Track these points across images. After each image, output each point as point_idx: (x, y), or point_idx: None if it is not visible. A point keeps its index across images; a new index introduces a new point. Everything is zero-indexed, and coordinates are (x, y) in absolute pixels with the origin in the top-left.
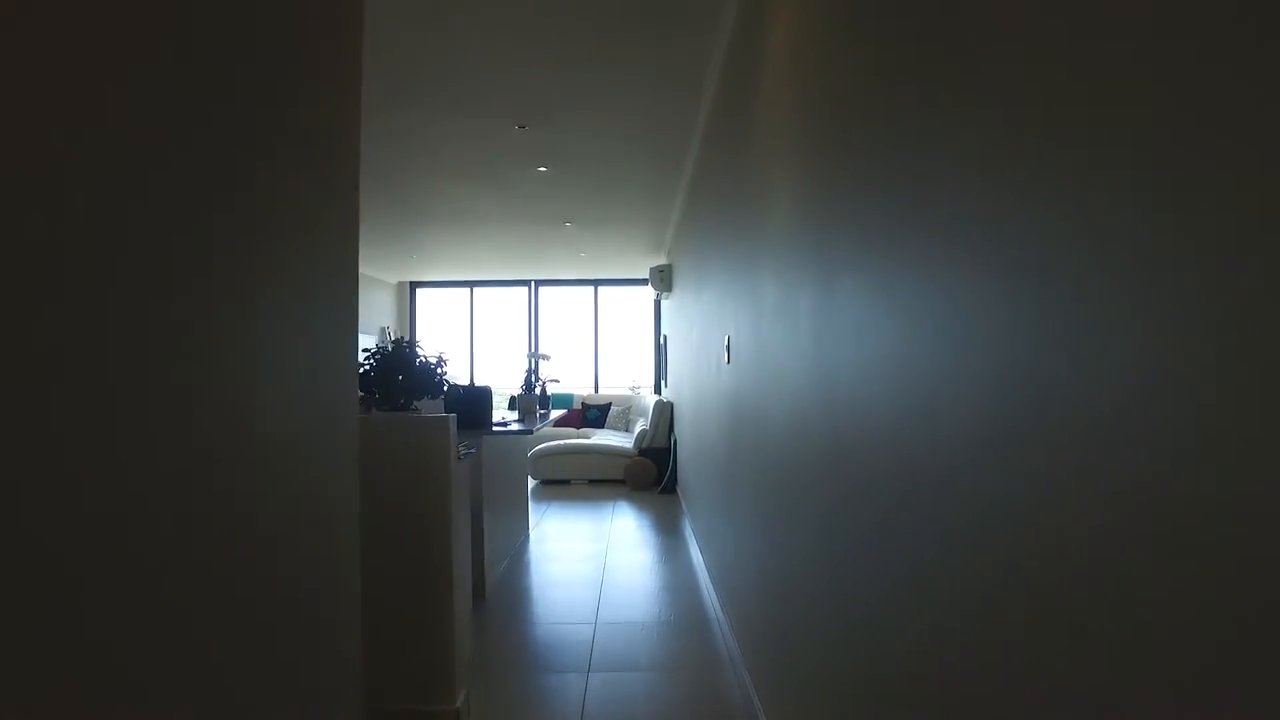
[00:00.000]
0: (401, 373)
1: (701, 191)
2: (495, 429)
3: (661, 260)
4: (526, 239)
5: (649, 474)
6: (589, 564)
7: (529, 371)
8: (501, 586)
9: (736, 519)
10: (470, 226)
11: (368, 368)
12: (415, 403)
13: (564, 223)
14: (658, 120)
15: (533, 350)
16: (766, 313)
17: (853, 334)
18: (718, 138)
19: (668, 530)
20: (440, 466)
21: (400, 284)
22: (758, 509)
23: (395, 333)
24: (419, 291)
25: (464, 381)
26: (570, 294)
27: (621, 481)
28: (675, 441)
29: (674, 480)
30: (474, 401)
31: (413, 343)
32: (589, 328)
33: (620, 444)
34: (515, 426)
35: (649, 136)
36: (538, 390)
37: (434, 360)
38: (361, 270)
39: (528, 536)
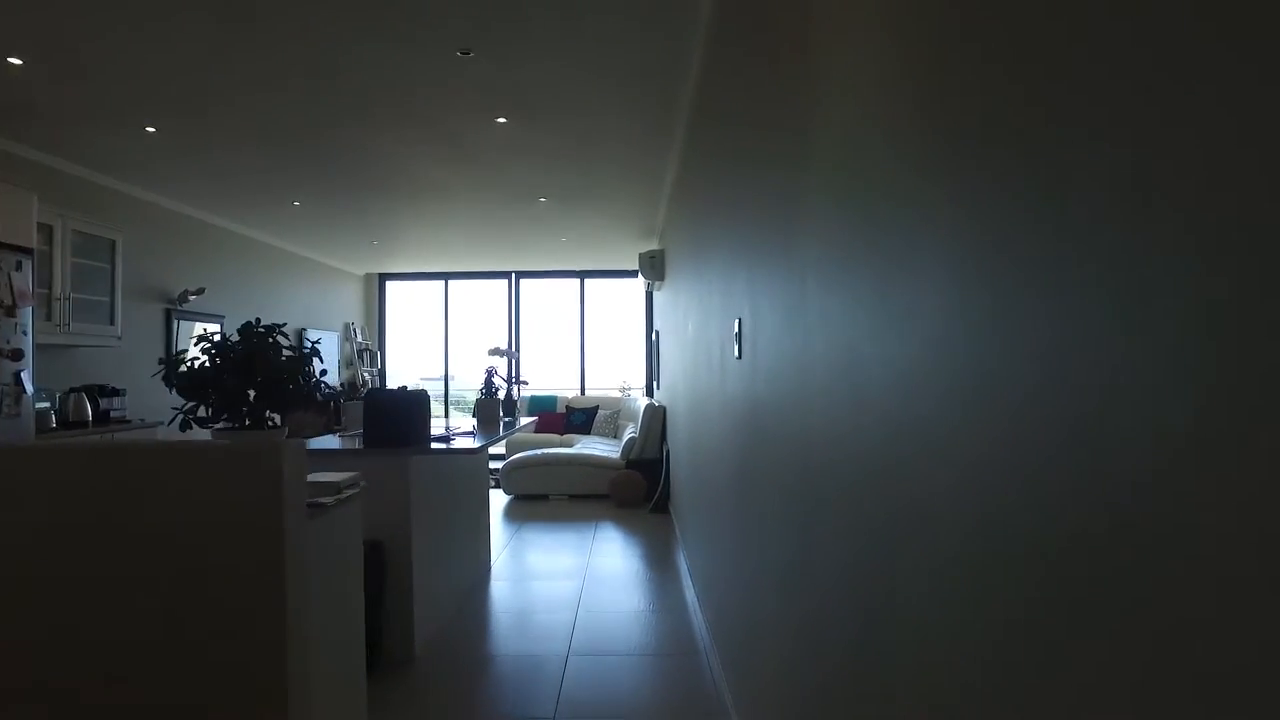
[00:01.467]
0: (260, 371)
1: (702, 147)
2: (437, 445)
3: (653, 245)
4: (496, 220)
5: (637, 489)
6: (558, 610)
7: (489, 372)
8: (438, 648)
9: (752, 562)
10: (430, 203)
11: (202, 361)
12: (276, 414)
13: (538, 198)
14: (642, 62)
15: (501, 347)
16: (812, 279)
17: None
18: (722, 75)
19: (658, 561)
20: (267, 515)
21: (368, 276)
22: (790, 552)
23: (361, 330)
24: (389, 285)
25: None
26: (554, 287)
27: (606, 497)
28: (668, 452)
29: (666, 497)
30: (400, 412)
31: (274, 329)
32: (574, 323)
33: (605, 453)
34: (462, 442)
35: (633, 85)
36: (502, 394)
37: (323, 364)
38: (323, 261)
39: (489, 570)
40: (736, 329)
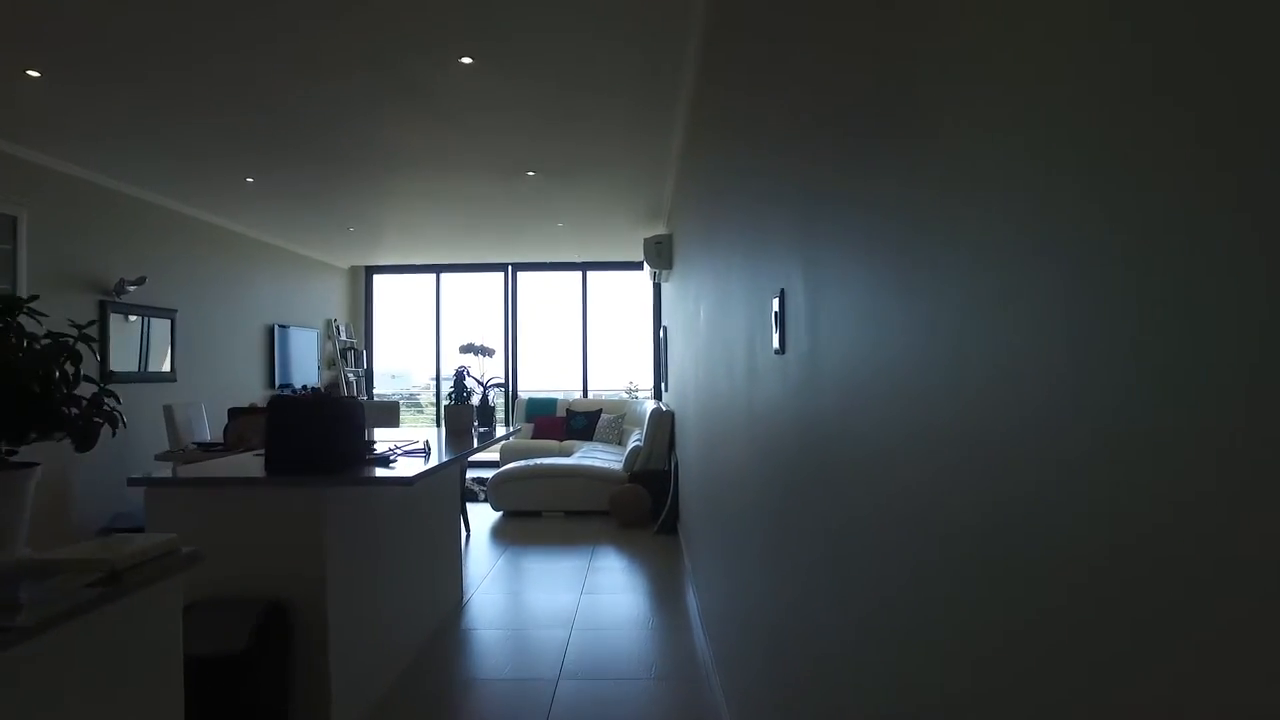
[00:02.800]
0: None
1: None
2: (380, 471)
3: (659, 230)
4: (481, 199)
5: (641, 506)
6: (538, 672)
7: (460, 373)
8: None
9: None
10: (402, 179)
11: None
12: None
13: (525, 172)
14: None
15: (476, 343)
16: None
17: None
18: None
19: (663, 598)
20: None
21: (353, 269)
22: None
23: (346, 328)
24: (376, 278)
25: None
26: (554, 281)
27: (607, 514)
28: (677, 464)
29: (675, 516)
30: (312, 429)
31: (16, 302)
32: (576, 319)
33: (607, 464)
34: (404, 467)
35: (625, 23)
36: (477, 399)
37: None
38: (298, 251)
39: (461, 611)
40: (776, 308)
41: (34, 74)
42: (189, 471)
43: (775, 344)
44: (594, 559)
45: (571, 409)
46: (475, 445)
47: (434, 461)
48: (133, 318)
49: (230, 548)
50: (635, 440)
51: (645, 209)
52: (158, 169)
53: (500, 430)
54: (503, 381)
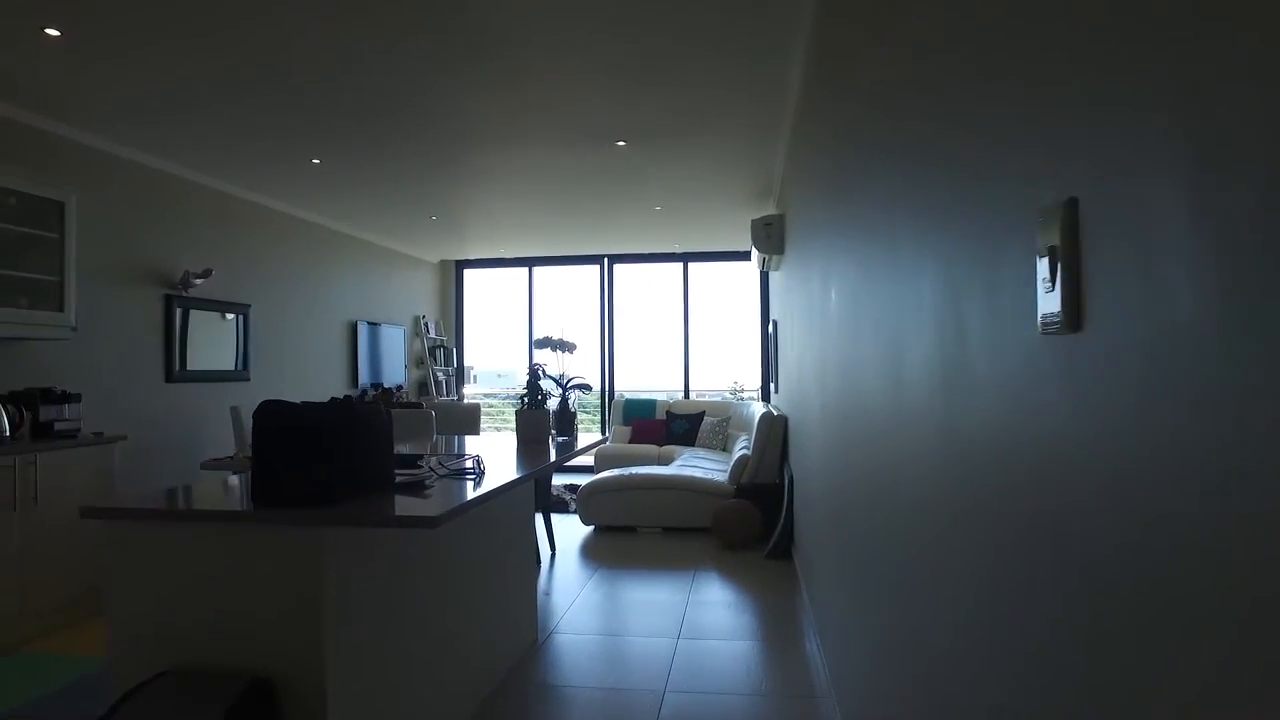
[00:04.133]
0: None
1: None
2: (396, 502)
3: (768, 210)
4: (567, 175)
5: (750, 524)
6: None
7: (534, 372)
8: None
9: None
10: (478, 153)
11: None
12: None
13: (615, 141)
14: None
15: (554, 336)
16: None
17: None
18: None
19: (778, 647)
20: None
21: (443, 263)
22: None
23: (436, 325)
24: (466, 273)
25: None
26: (653, 273)
27: (709, 530)
28: (791, 478)
29: (789, 539)
30: (315, 445)
31: None
32: (677, 314)
33: (710, 474)
34: (442, 493)
35: None
36: (554, 403)
37: None
38: (386, 245)
39: (536, 649)
40: (1053, 242)
41: (53, 32)
42: (153, 501)
43: (1049, 311)
44: (695, 589)
45: (672, 411)
46: (551, 459)
47: (484, 487)
48: (204, 312)
49: (206, 604)
50: (742, 447)
51: (751, 187)
52: (215, 150)
53: (587, 438)
54: (586, 382)
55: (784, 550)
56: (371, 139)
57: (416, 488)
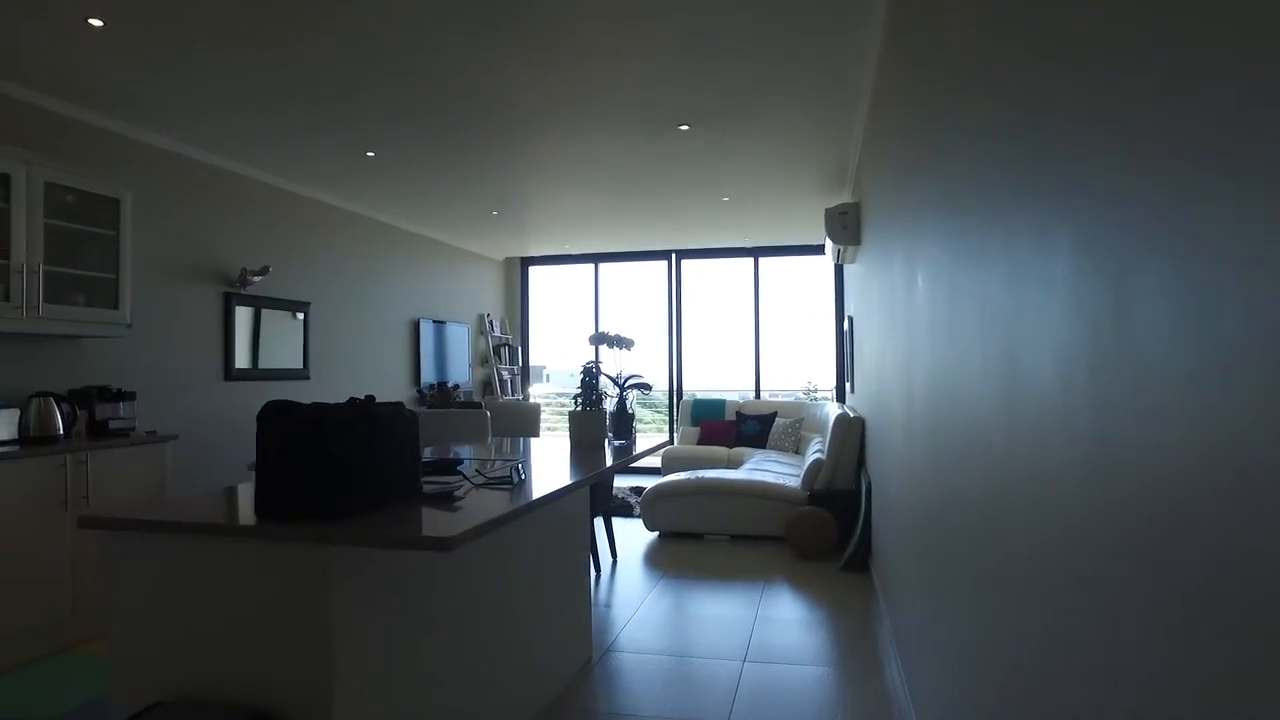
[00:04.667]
0: None
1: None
2: (422, 514)
3: (844, 198)
4: (627, 161)
5: (824, 534)
6: None
7: (589, 371)
8: None
9: None
10: (533, 137)
11: None
12: None
13: (677, 125)
14: None
15: (610, 333)
16: None
17: None
18: None
19: (855, 675)
20: None
21: (508, 261)
22: None
23: (501, 323)
24: (532, 270)
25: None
26: (723, 268)
27: (781, 539)
28: (869, 485)
29: (866, 550)
30: (323, 451)
31: None
32: (747, 311)
33: (782, 479)
34: (475, 505)
35: None
36: (611, 404)
37: None
38: (449, 242)
39: (589, 668)
40: None
41: (96, 23)
42: (151, 511)
43: None
44: (765, 603)
45: (742, 412)
46: (605, 465)
47: (518, 500)
48: (262, 309)
49: (207, 625)
50: (816, 450)
51: (824, 173)
52: (268, 144)
53: (648, 441)
54: (645, 381)
55: (861, 562)
56: (424, 128)
57: (445, 499)
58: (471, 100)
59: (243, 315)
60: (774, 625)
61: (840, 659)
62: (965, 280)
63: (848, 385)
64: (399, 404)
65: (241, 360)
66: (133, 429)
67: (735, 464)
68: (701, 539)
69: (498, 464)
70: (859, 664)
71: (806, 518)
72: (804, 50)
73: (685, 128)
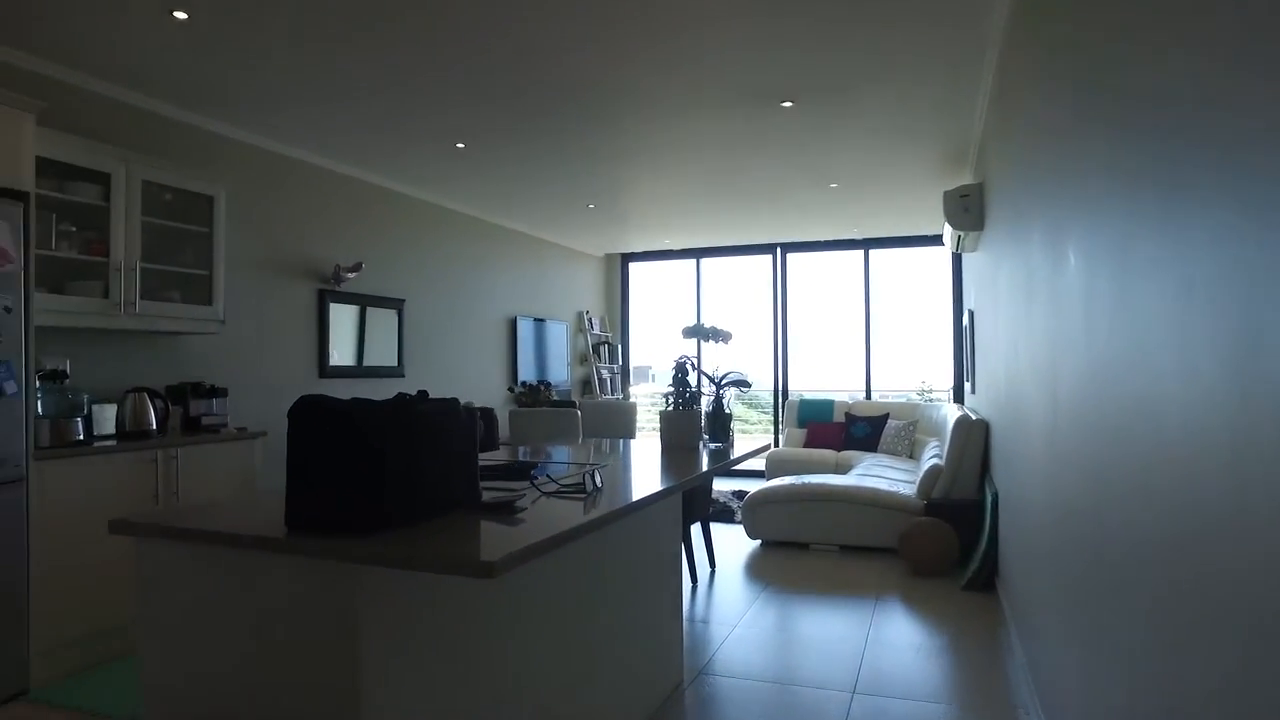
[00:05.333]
0: None
1: None
2: (481, 527)
3: (964, 180)
4: (728, 145)
5: (944, 547)
6: None
7: (681, 367)
8: None
9: None
10: (632, 125)
11: None
12: None
13: (779, 103)
14: None
15: (707, 325)
16: None
17: None
18: None
19: (982, 716)
20: None
21: (608, 257)
22: None
23: (601, 321)
24: (632, 266)
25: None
26: (831, 262)
27: (894, 552)
28: (994, 497)
29: (993, 568)
30: (361, 454)
31: None
32: (857, 307)
33: (895, 486)
34: (541, 517)
35: None
36: (706, 402)
37: None
38: (553, 240)
39: (679, 692)
40: None
41: (180, 15)
42: (181, 519)
43: None
44: (877, 623)
45: (852, 413)
46: (699, 470)
47: (589, 513)
48: (361, 308)
49: (236, 647)
50: (932, 455)
51: (942, 152)
52: (357, 139)
53: (749, 443)
54: (744, 377)
55: (986, 581)
56: (512, 113)
57: (504, 510)
58: (559, 82)
59: (337, 312)
60: (888, 650)
61: (965, 695)
62: (1149, 247)
63: (967, 385)
64: (453, 400)
65: (336, 357)
66: (224, 425)
67: (844, 469)
68: (807, 549)
69: (573, 467)
70: (987, 702)
71: (923, 529)
72: (918, 4)
73: (788, 104)
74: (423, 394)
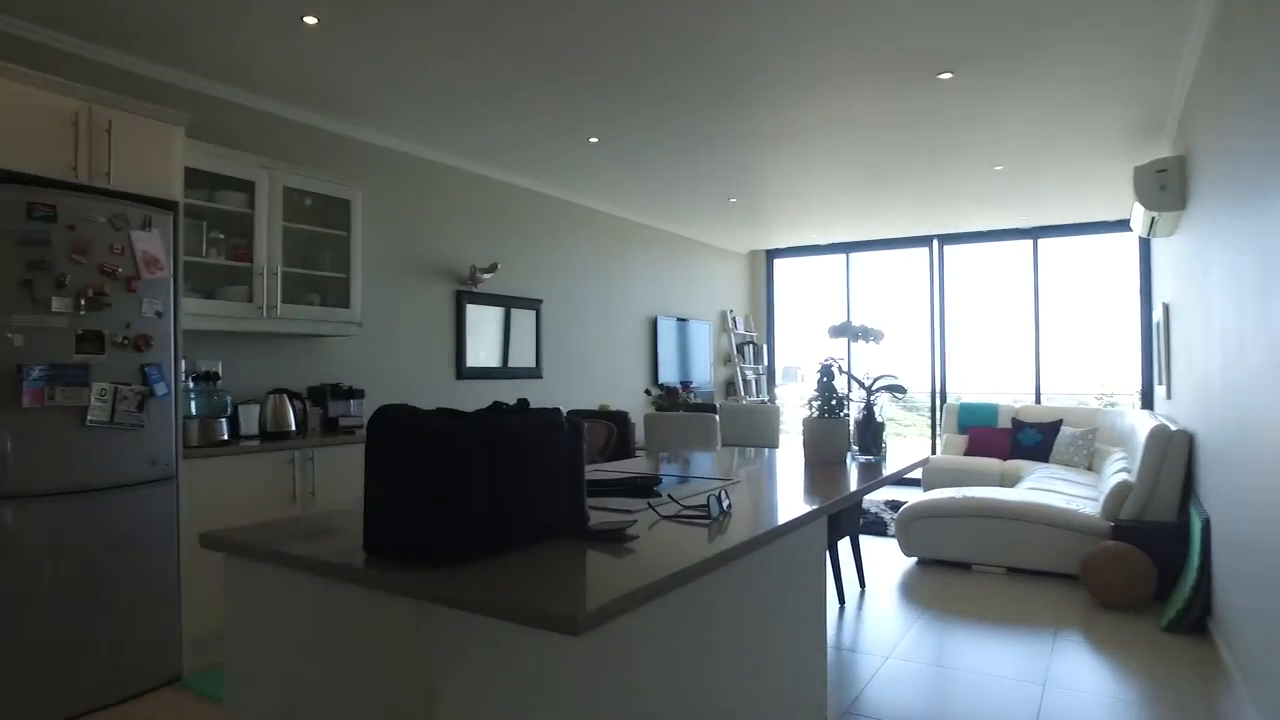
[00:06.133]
0: None
1: None
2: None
3: (1160, 153)
4: (878, 127)
5: (1137, 577)
6: None
7: (823, 369)
8: None
9: None
10: (772, 106)
11: None
12: None
13: (936, 74)
14: None
15: (856, 324)
16: None
17: None
18: None
19: None
20: None
21: (752, 254)
22: None
23: (745, 320)
24: (777, 263)
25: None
26: (993, 253)
27: (1074, 579)
28: (1205, 522)
29: (1204, 606)
30: (443, 473)
31: None
32: (1024, 304)
33: (1073, 502)
34: (661, 547)
35: None
36: (854, 409)
37: None
38: (694, 237)
39: None
40: None
41: (310, 20)
42: (259, 536)
43: None
44: (1055, 664)
45: (1019, 418)
46: (848, 490)
47: (718, 544)
48: (498, 309)
49: (309, 668)
50: (1119, 468)
51: (1128, 122)
52: (490, 137)
53: (902, 450)
54: (898, 382)
55: (1195, 622)
56: (644, 99)
57: (613, 539)
58: (693, 61)
59: (474, 313)
60: (1070, 697)
61: None
62: None
63: (1158, 389)
64: (553, 410)
65: (473, 358)
66: (360, 426)
67: (1011, 480)
68: (969, 569)
69: (700, 483)
70: None
71: (1111, 555)
72: None
73: (947, 76)
74: (522, 402)
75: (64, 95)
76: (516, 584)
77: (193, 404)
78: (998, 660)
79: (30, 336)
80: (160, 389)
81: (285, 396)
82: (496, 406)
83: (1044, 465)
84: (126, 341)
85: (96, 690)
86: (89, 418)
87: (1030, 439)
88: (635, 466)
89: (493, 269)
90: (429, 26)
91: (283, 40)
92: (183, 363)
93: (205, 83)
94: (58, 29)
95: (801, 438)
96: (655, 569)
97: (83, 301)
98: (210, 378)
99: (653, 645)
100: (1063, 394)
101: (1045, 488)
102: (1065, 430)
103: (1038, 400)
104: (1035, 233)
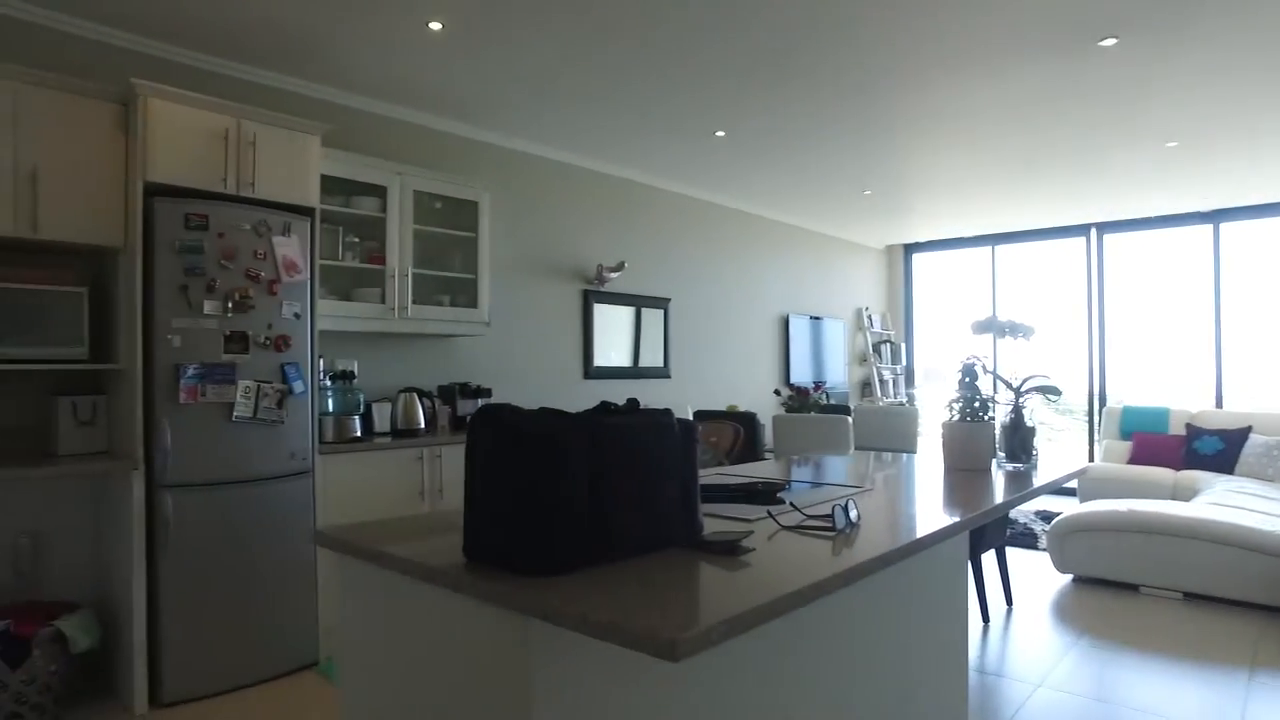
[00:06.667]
0: None
1: None
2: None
3: None
4: (1029, 103)
5: None
6: None
7: (965, 369)
8: None
9: None
10: (911, 85)
11: None
12: None
13: (1100, 40)
14: None
15: (1004, 321)
16: None
17: None
18: None
19: None
20: None
21: (889, 249)
22: None
23: (881, 318)
24: (915, 258)
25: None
26: (1163, 241)
27: (1272, 610)
28: None
29: None
30: (548, 474)
31: None
32: (1202, 295)
33: (1266, 520)
34: (785, 563)
35: None
36: (1001, 413)
37: None
38: (826, 232)
39: None
40: None
41: (435, 26)
42: (365, 536)
43: None
44: (1252, 707)
45: (1195, 424)
46: (992, 504)
47: (842, 560)
48: (626, 308)
49: (415, 671)
50: None
51: None
52: (613, 135)
53: (1054, 453)
54: (1051, 384)
55: None
56: (772, 88)
57: (727, 551)
58: (824, 43)
59: (602, 312)
60: None
61: None
62: None
63: None
64: (664, 410)
65: (601, 358)
66: None
67: (1185, 493)
68: (1136, 591)
69: (825, 489)
70: None
71: None
72: None
73: (1109, 42)
74: (632, 402)
75: (217, 113)
76: (615, 600)
77: (329, 401)
78: (1175, 699)
79: (186, 337)
80: (298, 387)
81: (415, 395)
82: (604, 407)
83: (1228, 477)
84: (268, 342)
85: (249, 667)
86: (235, 413)
87: (1210, 447)
88: (761, 470)
89: (620, 268)
90: (550, 26)
91: (409, 47)
92: (320, 362)
93: (338, 93)
94: (206, 51)
95: (941, 442)
96: (769, 588)
97: (230, 304)
98: (346, 376)
99: (771, 668)
100: (1249, 397)
101: (1232, 503)
102: (1255, 438)
103: (1219, 404)
104: (1216, 216)
